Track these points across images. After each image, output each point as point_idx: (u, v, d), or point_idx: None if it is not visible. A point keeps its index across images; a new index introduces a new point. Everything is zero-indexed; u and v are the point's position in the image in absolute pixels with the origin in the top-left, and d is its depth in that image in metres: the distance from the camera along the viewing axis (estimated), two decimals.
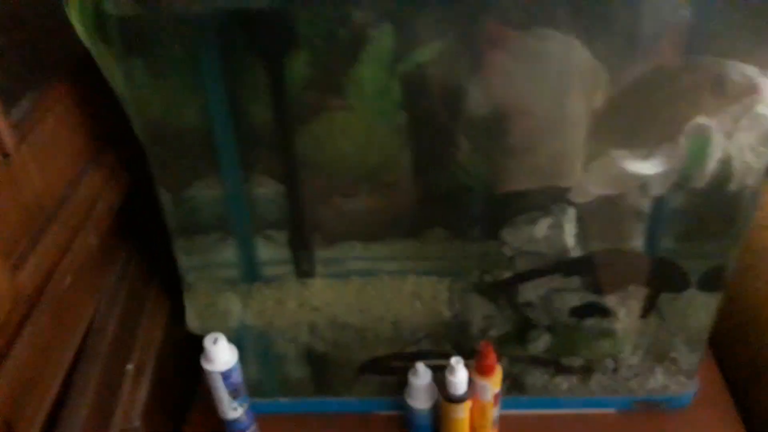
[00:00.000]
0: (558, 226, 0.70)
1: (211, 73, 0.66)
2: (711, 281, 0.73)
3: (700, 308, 0.75)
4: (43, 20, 0.57)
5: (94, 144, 0.63)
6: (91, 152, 0.62)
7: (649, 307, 0.75)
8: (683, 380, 0.79)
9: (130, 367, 0.64)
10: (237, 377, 0.69)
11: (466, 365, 0.70)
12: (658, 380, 0.79)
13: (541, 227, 0.70)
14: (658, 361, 0.79)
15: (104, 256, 0.64)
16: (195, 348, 0.69)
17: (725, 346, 0.86)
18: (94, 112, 0.63)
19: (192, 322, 0.76)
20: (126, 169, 0.68)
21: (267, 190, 0.79)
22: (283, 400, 0.80)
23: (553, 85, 0.64)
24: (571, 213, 0.69)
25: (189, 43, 0.63)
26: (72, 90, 0.60)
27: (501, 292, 0.77)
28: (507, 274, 0.75)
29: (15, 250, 0.51)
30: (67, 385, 0.55)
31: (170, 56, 0.63)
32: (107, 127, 0.65)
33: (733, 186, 0.65)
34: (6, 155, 0.50)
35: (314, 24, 0.62)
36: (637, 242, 0.76)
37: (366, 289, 0.86)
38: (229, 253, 0.82)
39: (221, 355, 0.67)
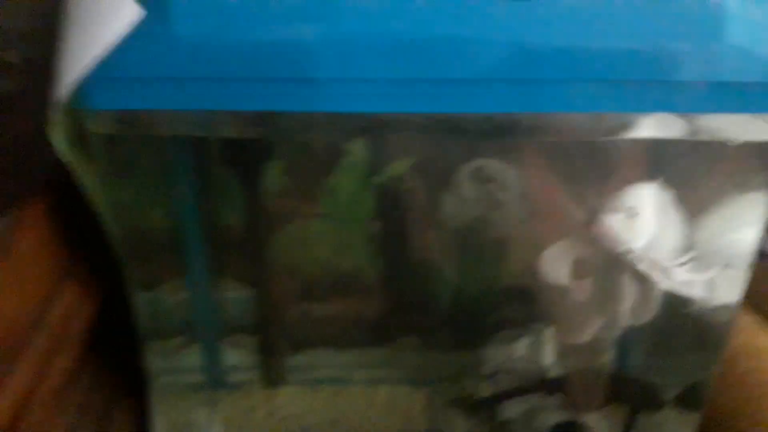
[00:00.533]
0: (537, 345, 0.68)
1: (183, 178, 0.66)
2: (688, 400, 0.71)
3: (677, 429, 0.72)
4: (17, 136, 0.56)
5: (69, 256, 0.61)
6: (66, 266, 0.60)
7: (627, 428, 0.72)
8: None
9: None
10: None
11: None
12: None
13: (520, 347, 0.69)
14: None
15: (76, 377, 0.61)
16: None
17: None
18: (68, 223, 0.61)
19: None
20: (99, 280, 0.66)
21: (236, 294, 0.77)
22: None
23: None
24: (549, 332, 0.68)
25: (161, 152, 0.63)
26: (46, 205, 0.59)
27: (481, 407, 0.74)
28: (486, 390, 0.73)
29: None
30: None
31: (146, 166, 0.63)
32: (80, 238, 0.63)
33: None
34: None
35: (290, 144, 0.63)
36: (608, 357, 0.74)
37: (337, 399, 0.82)
38: (193, 358, 0.79)
39: None
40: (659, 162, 0.61)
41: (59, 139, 0.52)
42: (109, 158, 0.56)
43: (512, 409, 0.72)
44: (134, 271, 0.65)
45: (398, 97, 0.51)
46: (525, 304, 0.70)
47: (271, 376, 0.82)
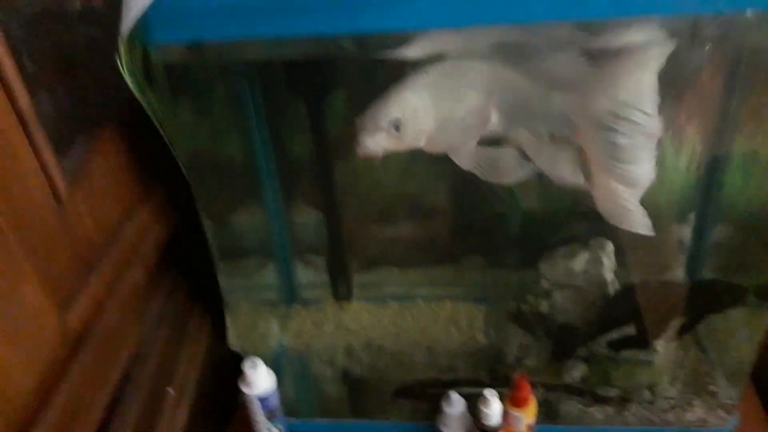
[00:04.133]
0: (596, 261, 0.70)
1: (254, 110, 0.69)
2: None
3: (742, 340, 0.74)
4: (91, 66, 0.59)
5: (143, 183, 0.66)
6: (140, 192, 0.65)
7: (689, 329, 0.74)
8: (723, 415, 0.78)
9: (170, 390, 0.66)
10: (274, 401, 0.71)
11: (500, 395, 0.71)
12: (697, 413, 0.78)
13: (580, 261, 0.70)
14: (696, 394, 0.78)
15: (150, 288, 0.67)
16: (236, 365, 0.71)
17: None
18: (142, 152, 0.65)
19: (233, 341, 0.78)
20: (173, 205, 0.71)
21: (307, 217, 0.81)
22: (318, 421, 0.82)
23: None
24: (609, 247, 0.69)
25: (233, 85, 0.65)
26: (120, 133, 0.62)
27: (538, 322, 0.77)
28: (544, 306, 0.75)
29: (63, 290, 0.53)
30: (112, 412, 0.58)
31: (215, 96, 0.65)
32: (155, 166, 0.67)
33: None
34: (59, 201, 0.52)
35: (353, 67, 0.64)
36: (677, 274, 0.76)
37: (402, 314, 0.87)
38: (269, 276, 0.84)
39: (259, 380, 0.69)
40: None
41: (128, 72, 0.54)
42: (177, 89, 0.58)
43: (570, 323, 0.74)
44: (209, 197, 0.69)
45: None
46: (587, 221, 0.71)
47: (340, 292, 0.88)
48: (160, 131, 0.57)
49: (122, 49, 0.52)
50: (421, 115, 0.56)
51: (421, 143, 0.58)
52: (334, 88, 0.67)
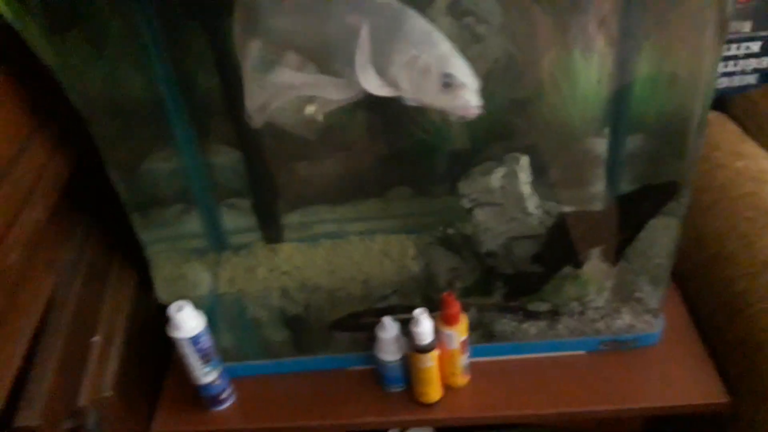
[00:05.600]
0: (512, 175, 0.71)
1: (153, 42, 0.66)
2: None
3: (661, 246, 0.76)
4: None
5: (35, 119, 0.62)
6: (32, 127, 0.62)
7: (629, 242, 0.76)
8: (649, 319, 0.80)
9: (96, 338, 0.65)
10: (206, 342, 0.70)
11: (432, 316, 0.71)
12: (625, 320, 0.80)
13: (496, 177, 0.71)
14: (623, 302, 0.81)
15: (58, 231, 0.64)
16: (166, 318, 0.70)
17: (692, 285, 0.87)
18: (32, 87, 0.62)
19: (162, 293, 0.77)
20: (72, 142, 0.67)
21: (225, 158, 0.79)
22: (258, 362, 0.82)
23: None
24: (524, 161, 0.70)
25: (126, 13, 0.62)
26: (6, 67, 0.59)
27: (464, 244, 0.78)
28: (468, 228, 0.76)
29: None
30: (30, 360, 0.56)
31: (107, 28, 0.62)
32: (48, 101, 0.64)
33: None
34: None
35: None
36: (598, 187, 0.77)
37: (335, 251, 0.87)
38: (193, 224, 0.83)
39: (187, 321, 0.68)
40: None
41: None
42: (60, 20, 0.55)
43: (493, 242, 0.75)
44: (113, 144, 0.65)
45: None
46: (503, 140, 0.71)
47: (270, 235, 0.87)
48: (45, 64, 0.54)
49: None
50: None
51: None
52: (232, 9, 0.65)
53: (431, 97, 0.53)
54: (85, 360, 0.64)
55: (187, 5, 0.63)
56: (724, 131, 1.01)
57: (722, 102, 1.08)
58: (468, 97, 0.52)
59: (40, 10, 0.52)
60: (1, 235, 0.55)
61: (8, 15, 0.51)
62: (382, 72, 0.53)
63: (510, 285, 0.78)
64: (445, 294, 0.68)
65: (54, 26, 0.54)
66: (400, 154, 0.80)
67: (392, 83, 0.53)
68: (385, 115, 0.76)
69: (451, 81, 0.51)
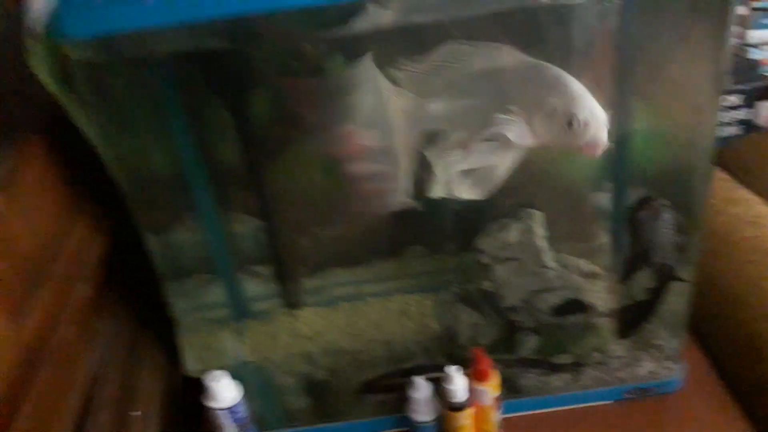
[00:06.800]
0: (528, 230, 0.73)
1: (176, 116, 0.68)
2: None
3: (676, 293, 0.78)
4: (11, 74, 0.58)
5: (78, 195, 0.65)
6: (76, 203, 0.64)
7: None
8: (670, 365, 0.82)
9: (137, 413, 0.65)
10: (243, 412, 0.70)
11: (464, 373, 0.72)
12: (646, 367, 0.81)
13: (514, 232, 0.73)
14: (643, 350, 0.82)
15: (100, 306, 0.65)
16: (192, 391, 0.70)
17: (707, 330, 0.88)
18: (75, 163, 0.64)
19: (190, 364, 0.77)
20: (112, 216, 0.70)
21: (245, 226, 0.81)
22: (287, 430, 0.81)
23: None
24: (538, 216, 0.72)
25: (150, 87, 0.65)
26: (49, 143, 0.61)
27: (485, 300, 0.80)
28: (487, 284, 0.78)
29: (14, 302, 0.52)
30: None
31: (134, 102, 0.65)
32: (90, 177, 0.66)
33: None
34: None
35: (268, 60, 0.65)
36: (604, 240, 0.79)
37: (355, 313, 0.88)
38: (216, 293, 0.83)
39: (225, 391, 0.67)
40: None
41: (40, 70, 0.52)
42: (93, 88, 0.57)
43: (514, 296, 0.77)
44: (143, 214, 0.68)
45: None
46: (515, 196, 0.74)
47: (291, 300, 0.87)
48: (86, 138, 0.56)
49: (33, 44, 0.50)
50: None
51: None
52: (255, 85, 0.68)
53: (562, 138, 0.57)
54: None
55: (211, 80, 0.66)
56: (716, 180, 1.05)
57: None
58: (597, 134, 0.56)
59: (82, 79, 0.55)
60: (56, 311, 0.55)
61: (50, 86, 0.53)
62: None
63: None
64: (475, 349, 0.69)
65: (92, 98, 0.56)
66: (413, 213, 0.82)
67: (537, 134, 0.58)
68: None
69: (580, 120, 0.56)
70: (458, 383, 0.69)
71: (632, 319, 0.80)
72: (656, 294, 0.78)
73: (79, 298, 0.60)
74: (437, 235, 0.82)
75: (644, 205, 0.75)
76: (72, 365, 0.57)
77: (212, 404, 0.67)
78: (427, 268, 0.86)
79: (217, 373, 0.67)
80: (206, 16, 0.52)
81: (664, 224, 0.74)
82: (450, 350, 0.81)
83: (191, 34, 0.54)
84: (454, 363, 0.75)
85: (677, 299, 0.78)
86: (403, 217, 0.82)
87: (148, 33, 0.54)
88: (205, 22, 0.52)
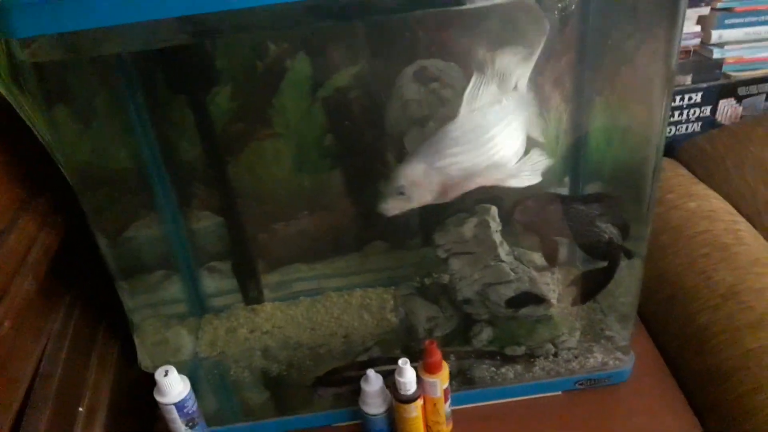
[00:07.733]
0: (484, 224, 0.74)
1: (138, 114, 0.69)
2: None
3: (626, 285, 0.80)
4: None
5: (26, 190, 0.64)
6: (23, 198, 0.63)
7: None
8: (620, 356, 0.84)
9: (81, 409, 0.65)
10: (192, 407, 0.70)
11: (414, 366, 0.73)
12: (597, 359, 0.84)
13: (469, 226, 0.75)
14: (594, 341, 0.84)
15: (45, 301, 0.65)
16: (149, 385, 0.70)
17: (656, 321, 0.91)
18: (23, 158, 0.64)
19: (145, 360, 0.77)
20: (61, 212, 0.69)
21: (206, 223, 0.81)
22: (242, 425, 0.82)
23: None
24: (494, 211, 0.74)
25: (112, 86, 0.65)
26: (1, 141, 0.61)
27: (442, 293, 0.81)
28: (444, 277, 0.79)
29: None
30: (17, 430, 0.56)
31: (95, 101, 0.65)
32: (39, 173, 0.66)
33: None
34: None
35: (231, 58, 0.66)
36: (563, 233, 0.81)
37: (315, 308, 0.89)
38: (174, 289, 0.84)
39: (173, 386, 0.68)
40: None
41: None
42: (51, 92, 0.56)
43: (468, 289, 0.79)
44: (100, 211, 0.66)
45: None
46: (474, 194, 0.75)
47: (250, 296, 0.88)
48: (39, 137, 0.56)
49: None
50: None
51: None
52: (215, 82, 0.68)
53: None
54: (70, 431, 0.63)
55: (171, 78, 0.66)
56: (676, 175, 1.08)
57: (672, 148, 1.16)
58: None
59: (35, 82, 0.54)
60: None
61: (1, 87, 0.53)
62: None
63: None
64: (427, 342, 0.71)
65: (47, 99, 0.56)
66: (374, 210, 0.83)
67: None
68: (357, 173, 0.80)
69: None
70: (408, 376, 0.70)
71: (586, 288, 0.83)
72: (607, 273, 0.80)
73: (19, 293, 0.59)
74: (398, 230, 0.83)
75: (596, 198, 0.77)
76: (11, 361, 0.57)
77: (160, 399, 0.68)
78: (388, 263, 0.87)
79: (166, 367, 0.68)
80: (166, 14, 0.52)
81: (613, 217, 0.76)
82: (406, 343, 0.82)
83: (147, 32, 0.52)
84: (410, 355, 0.77)
85: (628, 290, 0.81)
86: (364, 213, 0.83)
87: (102, 32, 0.53)
88: (163, 20, 0.52)
